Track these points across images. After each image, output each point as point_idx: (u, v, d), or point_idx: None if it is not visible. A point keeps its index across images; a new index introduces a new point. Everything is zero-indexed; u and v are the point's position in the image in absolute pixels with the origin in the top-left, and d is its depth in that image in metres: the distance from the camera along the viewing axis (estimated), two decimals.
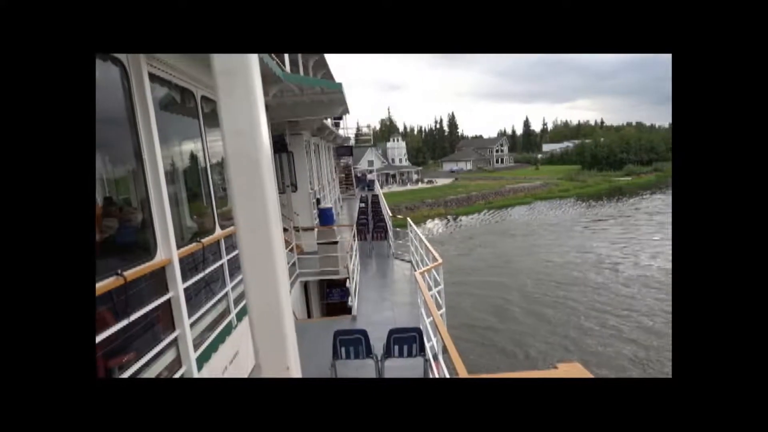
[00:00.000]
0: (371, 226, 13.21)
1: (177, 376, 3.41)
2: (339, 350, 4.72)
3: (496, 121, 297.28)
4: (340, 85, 7.03)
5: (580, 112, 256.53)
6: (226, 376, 4.48)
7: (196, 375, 3.59)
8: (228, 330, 4.61)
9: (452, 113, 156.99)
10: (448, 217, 45.53)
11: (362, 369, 5.13)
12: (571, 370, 1.01)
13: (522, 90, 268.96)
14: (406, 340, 4.63)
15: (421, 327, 5.02)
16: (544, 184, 62.29)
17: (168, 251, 3.39)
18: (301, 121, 9.98)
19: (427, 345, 4.76)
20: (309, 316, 9.78)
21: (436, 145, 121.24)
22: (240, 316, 4.96)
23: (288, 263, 8.59)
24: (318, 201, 11.84)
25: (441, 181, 70.01)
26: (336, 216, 15.88)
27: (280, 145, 10.15)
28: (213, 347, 4.20)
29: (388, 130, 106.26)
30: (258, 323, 1.06)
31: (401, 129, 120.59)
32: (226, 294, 4.69)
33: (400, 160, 76.25)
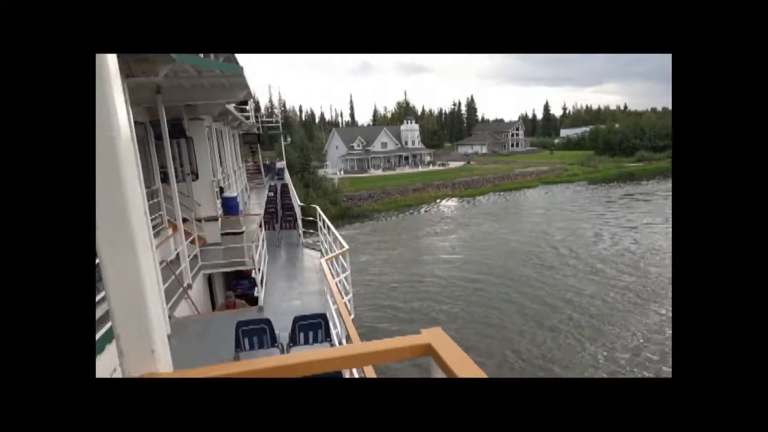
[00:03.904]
0: (280, 215, 12.91)
1: None
2: (242, 341, 4.61)
3: (518, 105, 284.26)
4: (241, 68, 6.73)
5: (606, 96, 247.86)
6: (117, 373, 4.16)
7: None
8: None
9: (471, 96, 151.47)
10: (459, 197, 47.25)
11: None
12: (434, 333, 1.10)
13: (548, 73, 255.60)
14: (311, 326, 4.66)
15: (328, 314, 5.08)
16: (553, 169, 61.99)
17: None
18: (200, 106, 9.40)
19: (333, 331, 4.83)
20: (213, 309, 9.35)
21: (454, 128, 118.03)
22: None
23: (189, 255, 8.14)
24: (221, 190, 11.28)
25: (453, 164, 69.95)
26: (243, 205, 15.25)
27: (177, 131, 9.47)
28: (100, 347, 3.89)
29: (404, 112, 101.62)
30: (117, 307, 1.02)
31: (419, 111, 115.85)
32: None
33: (413, 143, 75.01)
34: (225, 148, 14.40)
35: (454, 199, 47.79)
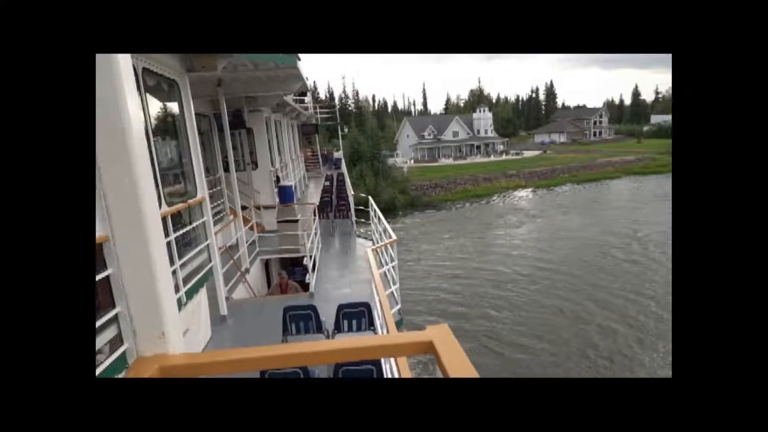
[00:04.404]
0: (334, 204, 13.19)
1: (119, 352, 3.40)
2: (289, 326, 4.78)
3: (604, 90, 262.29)
4: (294, 60, 6.90)
5: None
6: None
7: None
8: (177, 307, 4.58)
9: (550, 81, 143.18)
10: (532, 188, 46.44)
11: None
12: (439, 330, 1.07)
13: (639, 53, 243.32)
14: (355, 314, 4.74)
15: (373, 303, 5.13)
16: (640, 158, 57.70)
17: (106, 228, 3.33)
18: (259, 97, 9.75)
19: (377, 321, 4.88)
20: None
21: (530, 115, 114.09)
22: (190, 293, 4.93)
23: (247, 241, 8.54)
24: (278, 179, 11.69)
25: (528, 153, 68.56)
26: (301, 194, 15.74)
27: (237, 122, 9.90)
28: None
29: (477, 100, 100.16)
30: (130, 291, 1.09)
31: (494, 99, 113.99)
32: (174, 272, 4.64)
33: (486, 131, 74.24)
34: (283, 138, 14.88)
35: (526, 189, 46.29)
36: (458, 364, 0.92)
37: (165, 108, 5.27)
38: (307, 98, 22.35)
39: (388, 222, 9.11)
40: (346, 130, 50.23)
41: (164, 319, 1.11)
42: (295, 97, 15.87)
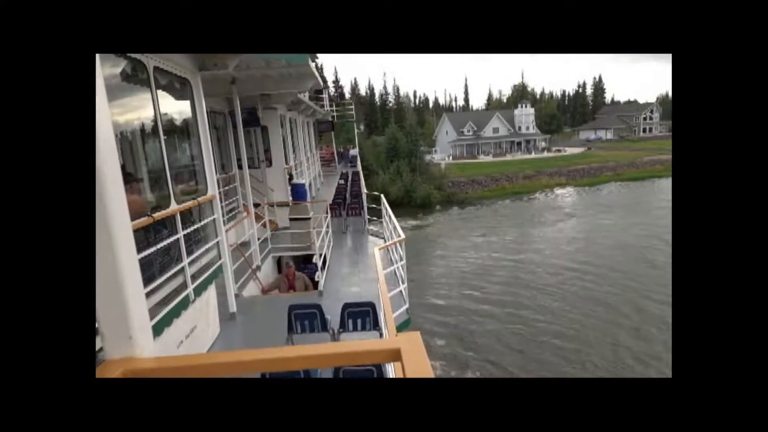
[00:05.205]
0: (347, 202, 13.21)
1: None
2: (294, 324, 4.80)
3: (660, 84, 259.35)
4: (305, 58, 6.92)
5: None
6: (181, 349, 4.53)
7: None
8: (184, 304, 4.63)
9: (599, 75, 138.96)
10: (573, 186, 46.10)
11: (318, 343, 5.21)
12: (409, 338, 1.05)
13: None
14: (360, 314, 4.73)
15: (379, 302, 5.11)
16: None
17: None
18: (274, 95, 9.82)
19: (381, 321, 4.86)
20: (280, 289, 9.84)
21: (575, 111, 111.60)
22: (198, 290, 4.98)
23: (260, 238, 8.62)
24: (290, 176, 11.77)
25: (571, 150, 67.57)
26: (315, 192, 15.81)
27: (252, 119, 9.99)
28: (166, 321, 4.23)
29: (519, 95, 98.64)
30: (99, 295, 1.08)
31: (539, 94, 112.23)
32: (183, 269, 4.69)
33: (528, 128, 73.10)
34: (298, 135, 14.97)
35: (567, 187, 45.70)
36: (419, 373, 0.91)
37: (176, 106, 5.33)
38: (323, 95, 22.42)
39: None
40: (362, 127, 50.26)
41: (131, 323, 1.11)
42: (315, 94, 15.92)
